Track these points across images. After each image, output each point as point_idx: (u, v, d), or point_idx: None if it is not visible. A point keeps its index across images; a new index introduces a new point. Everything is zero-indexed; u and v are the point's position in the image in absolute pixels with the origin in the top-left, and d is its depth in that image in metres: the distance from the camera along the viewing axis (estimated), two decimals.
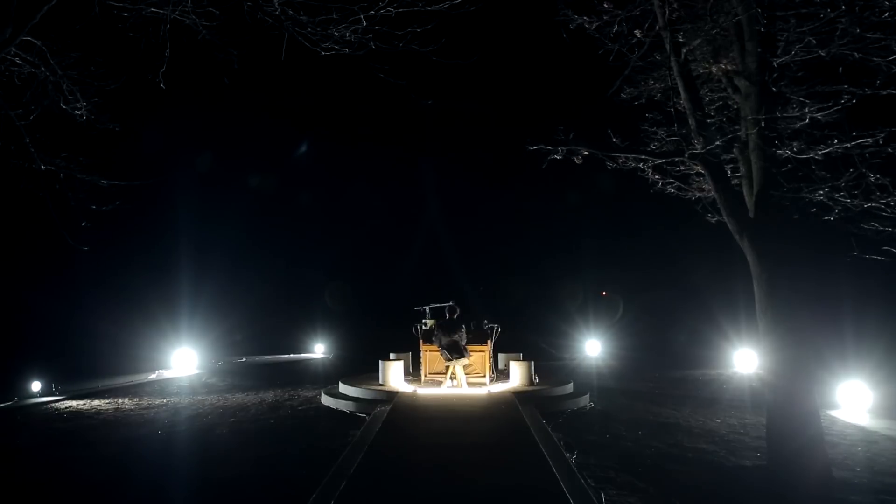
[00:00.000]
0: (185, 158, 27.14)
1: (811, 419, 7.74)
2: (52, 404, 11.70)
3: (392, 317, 20.76)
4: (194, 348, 18.84)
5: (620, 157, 9.03)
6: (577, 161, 8.56)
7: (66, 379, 13.57)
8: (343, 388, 11.83)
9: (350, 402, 10.86)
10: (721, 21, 8.14)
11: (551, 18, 8.42)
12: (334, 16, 7.46)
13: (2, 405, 11.74)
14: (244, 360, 20.14)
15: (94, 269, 22.98)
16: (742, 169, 8.49)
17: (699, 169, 8.73)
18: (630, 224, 31.32)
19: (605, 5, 8.12)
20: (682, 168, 9.26)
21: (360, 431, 8.78)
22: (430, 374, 12.50)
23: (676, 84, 8.32)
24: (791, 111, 7.85)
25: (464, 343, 11.63)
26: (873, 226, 8.02)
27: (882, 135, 7.37)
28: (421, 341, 12.72)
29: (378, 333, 22.10)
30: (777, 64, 8.02)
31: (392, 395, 10.83)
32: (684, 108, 8.41)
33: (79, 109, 8.42)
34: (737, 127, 8.50)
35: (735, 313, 18.39)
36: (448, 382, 11.71)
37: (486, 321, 12.97)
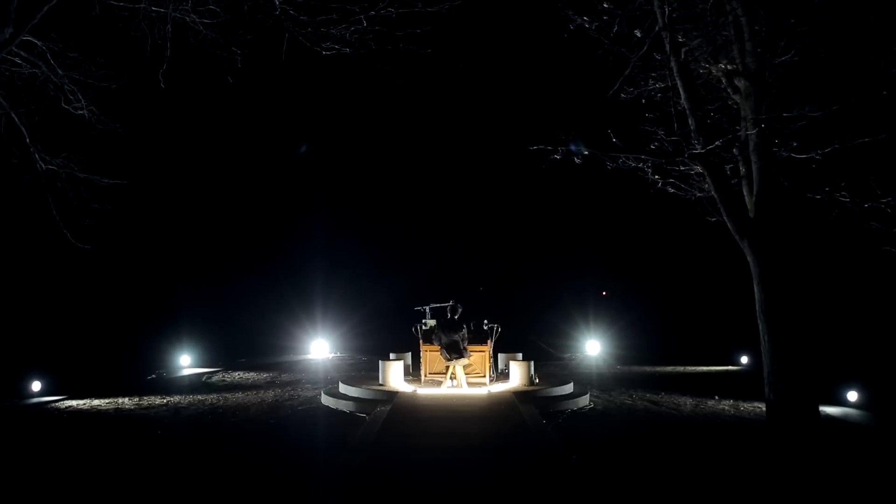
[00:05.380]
0: (185, 157, 27.08)
1: (810, 417, 7.76)
2: (52, 404, 11.69)
3: (392, 317, 20.75)
4: (194, 349, 18.82)
5: (620, 157, 9.04)
6: (577, 161, 8.57)
7: (66, 379, 13.56)
8: (343, 388, 11.83)
9: (350, 402, 10.86)
10: (721, 21, 8.15)
11: (551, 18, 8.43)
12: (334, 16, 7.48)
13: (2, 405, 11.74)
14: (244, 360, 20.14)
15: (94, 268, 22.94)
16: (742, 169, 8.50)
17: (699, 169, 8.75)
18: (630, 223, 31.25)
19: (605, 5, 8.14)
20: (682, 168, 9.27)
21: (360, 431, 8.78)
22: (430, 374, 12.49)
23: (676, 84, 8.33)
24: (791, 111, 7.86)
25: (464, 343, 11.63)
26: (873, 225, 8.03)
27: (882, 136, 7.38)
28: (421, 341, 12.72)
29: (378, 333, 22.08)
30: (777, 63, 8.03)
31: (392, 395, 10.83)
32: (684, 108, 8.41)
33: (80, 109, 8.43)
34: (737, 127, 8.51)
35: (735, 313, 18.39)
36: (448, 382, 11.71)
37: (486, 321, 12.96)
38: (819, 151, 7.94)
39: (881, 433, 9.94)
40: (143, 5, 7.50)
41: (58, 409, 11.18)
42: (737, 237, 8.40)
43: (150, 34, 7.51)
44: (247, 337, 23.70)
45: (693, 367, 18.15)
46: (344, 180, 36.72)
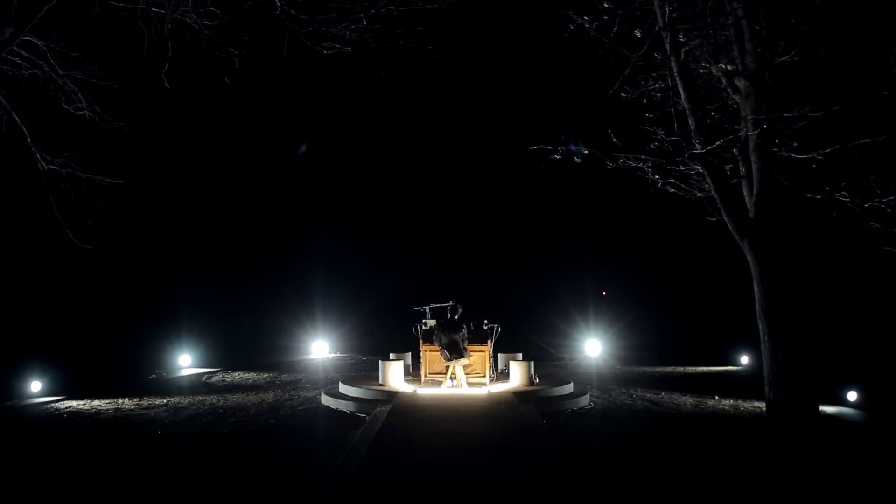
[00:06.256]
0: (187, 158, 27.09)
1: (811, 417, 7.76)
2: (53, 404, 11.69)
3: (392, 317, 20.73)
4: (194, 349, 18.82)
5: (620, 157, 9.05)
6: (578, 161, 8.58)
7: (66, 379, 13.55)
8: (343, 388, 11.83)
9: (350, 402, 10.86)
10: (721, 21, 8.16)
11: (552, 18, 8.44)
12: (334, 15, 7.48)
13: (2, 405, 11.74)
14: (244, 360, 20.12)
15: (95, 268, 22.94)
16: (742, 169, 8.50)
17: (699, 169, 8.75)
18: (630, 223, 31.28)
19: (606, 5, 8.14)
20: (682, 168, 9.27)
21: (360, 431, 8.79)
22: (430, 374, 12.49)
23: (676, 84, 8.33)
24: (791, 111, 7.86)
25: (464, 343, 11.63)
26: (873, 225, 8.04)
27: (884, 136, 7.38)
28: (421, 341, 12.72)
29: (378, 333, 22.07)
30: (777, 63, 8.03)
31: (392, 395, 10.83)
32: (684, 108, 8.41)
33: (81, 109, 8.43)
34: (737, 127, 8.51)
35: (735, 313, 18.42)
36: (448, 382, 11.71)
37: (486, 321, 12.96)
38: (819, 152, 7.94)
39: (877, 431, 9.95)
40: (142, 6, 7.51)
41: (58, 410, 11.18)
42: (737, 237, 8.40)
43: (149, 34, 7.51)
44: (247, 337, 23.70)
45: (693, 368, 18.15)
46: (344, 180, 36.73)
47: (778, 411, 7.98)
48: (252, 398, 12.33)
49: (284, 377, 15.72)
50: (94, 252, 9.37)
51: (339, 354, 21.78)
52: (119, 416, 10.54)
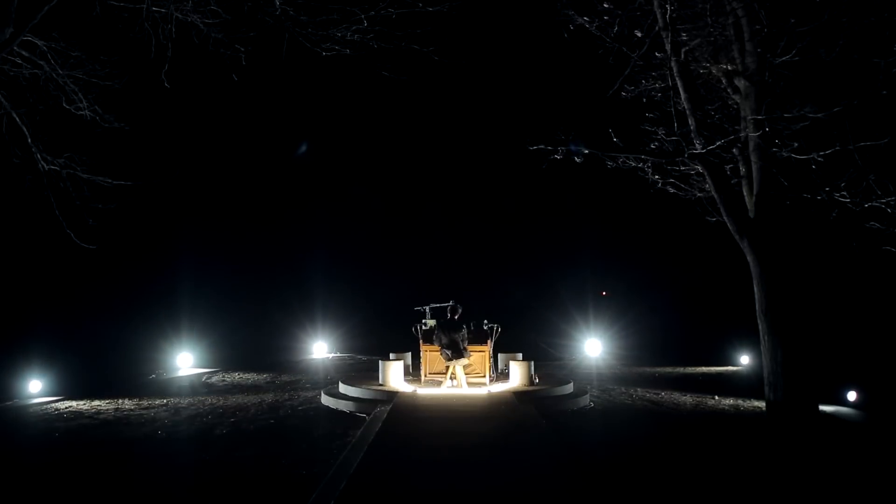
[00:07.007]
0: (187, 157, 27.09)
1: (810, 417, 7.76)
2: (52, 404, 11.69)
3: (392, 317, 20.74)
4: (193, 349, 18.82)
5: (620, 157, 9.05)
6: (578, 161, 8.59)
7: (66, 379, 13.56)
8: (343, 388, 11.83)
9: (350, 402, 10.86)
10: (721, 21, 8.16)
11: (552, 18, 8.44)
12: (335, 16, 7.49)
13: (2, 405, 11.74)
14: (243, 360, 20.12)
15: (96, 268, 22.93)
16: (742, 169, 8.50)
17: (699, 169, 8.76)
18: (630, 223, 31.27)
19: (606, 5, 8.15)
20: (682, 168, 9.28)
21: (360, 431, 8.79)
22: (430, 374, 12.49)
23: (676, 84, 8.33)
24: (791, 111, 7.87)
25: (464, 343, 11.63)
26: (873, 225, 8.04)
27: (886, 139, 7.39)
28: (421, 341, 12.72)
29: (378, 333, 22.07)
30: (777, 63, 8.03)
31: (392, 395, 10.83)
32: (684, 108, 8.42)
33: (81, 109, 8.44)
34: (737, 127, 8.52)
35: (734, 313, 18.42)
36: (448, 382, 11.72)
37: (486, 321, 12.96)
38: (819, 152, 7.95)
39: (876, 431, 9.96)
40: (143, 5, 7.51)
41: (57, 410, 11.17)
42: (737, 237, 8.41)
43: (154, 34, 7.51)
44: (246, 337, 23.70)
45: (693, 368, 18.15)
46: (344, 180, 36.75)
47: (778, 411, 7.98)
48: (252, 398, 12.32)
49: (284, 377, 15.72)
50: (94, 252, 9.38)
51: (338, 354, 21.78)
52: (119, 417, 10.54)
